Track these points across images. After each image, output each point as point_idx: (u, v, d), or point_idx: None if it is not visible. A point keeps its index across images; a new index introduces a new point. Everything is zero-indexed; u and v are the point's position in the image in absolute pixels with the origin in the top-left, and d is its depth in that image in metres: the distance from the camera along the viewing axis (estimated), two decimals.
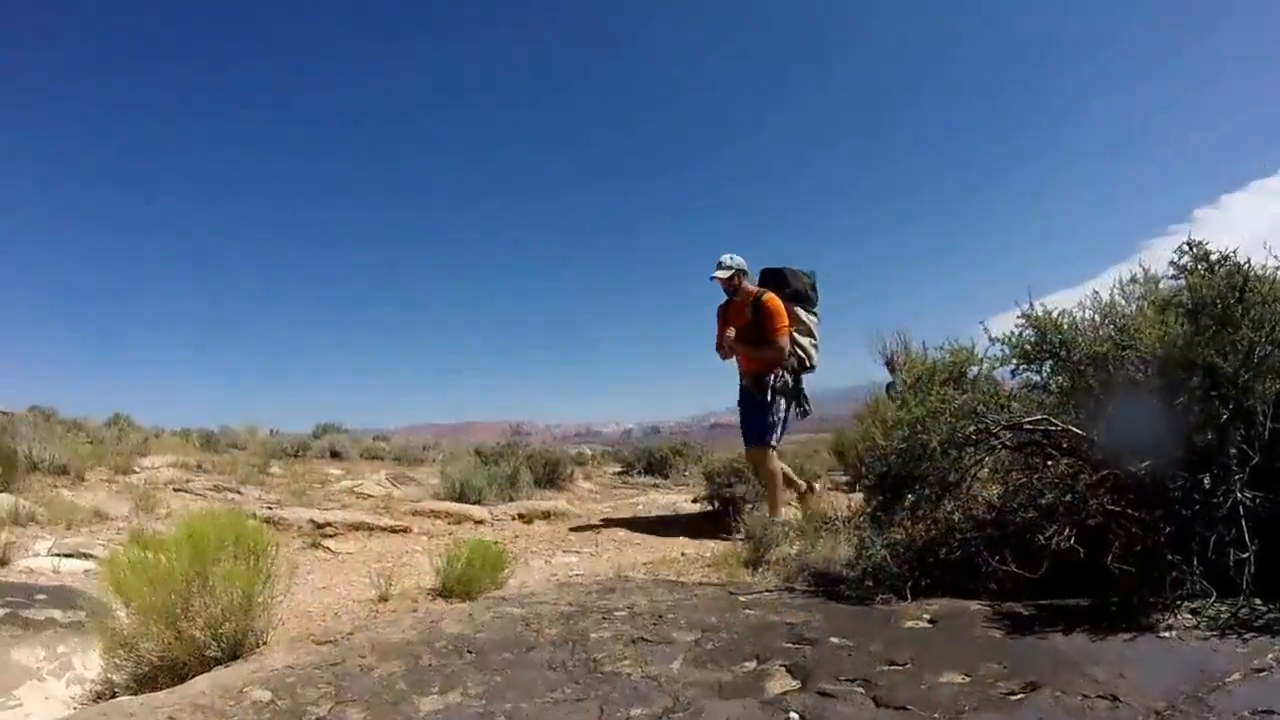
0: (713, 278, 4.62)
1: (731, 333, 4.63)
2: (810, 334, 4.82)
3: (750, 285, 4.71)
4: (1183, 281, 2.34)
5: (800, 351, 4.75)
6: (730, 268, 4.64)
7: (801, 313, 4.75)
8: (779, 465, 4.63)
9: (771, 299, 4.58)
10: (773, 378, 4.56)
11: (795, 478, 4.95)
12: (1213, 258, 2.26)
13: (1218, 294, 2.15)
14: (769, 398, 4.55)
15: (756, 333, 4.57)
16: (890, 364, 8.19)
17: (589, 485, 8.37)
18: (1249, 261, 2.18)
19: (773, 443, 4.55)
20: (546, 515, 5.52)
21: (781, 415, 4.60)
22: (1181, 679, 1.58)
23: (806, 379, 4.78)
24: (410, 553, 4.34)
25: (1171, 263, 2.36)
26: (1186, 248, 2.32)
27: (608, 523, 5.37)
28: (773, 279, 4.84)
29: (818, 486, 5.20)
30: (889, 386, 8.15)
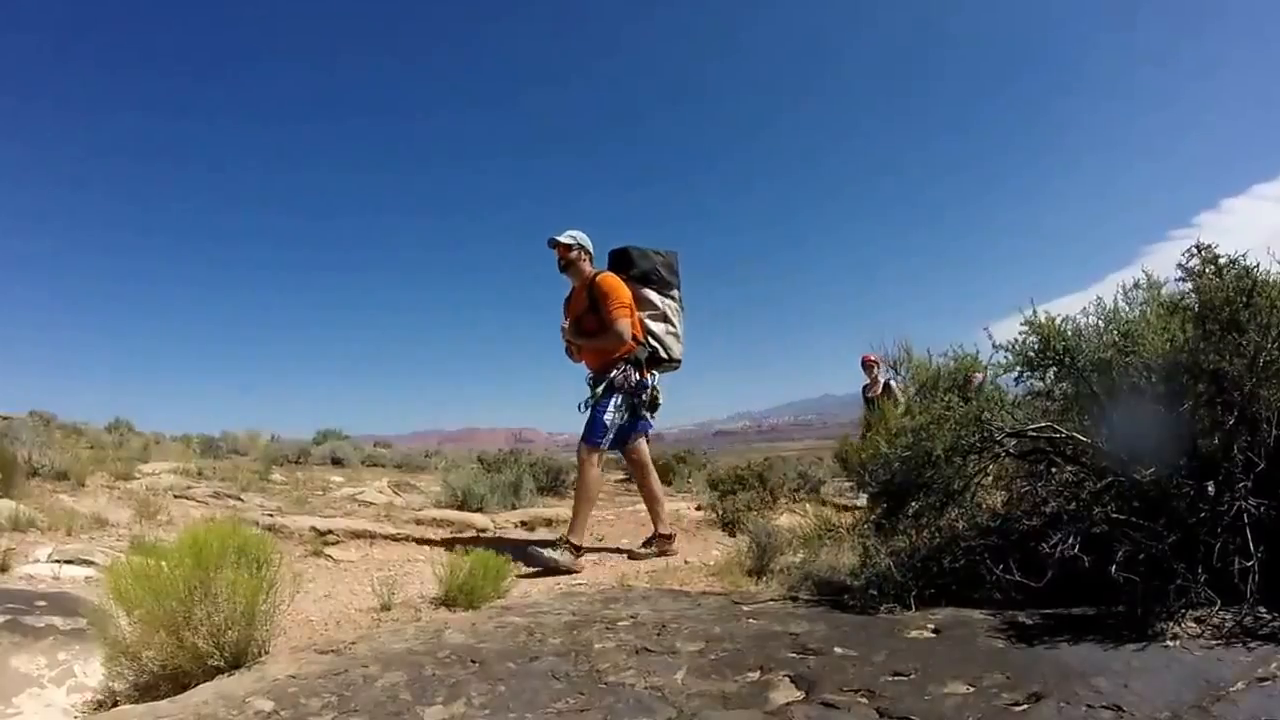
0: (551, 240, 4.10)
1: (568, 324, 4.15)
2: (667, 320, 4.25)
3: (590, 267, 4.15)
4: (1187, 286, 2.34)
5: (654, 341, 4.19)
6: (575, 239, 4.12)
7: (654, 296, 4.24)
8: (597, 473, 4.08)
9: (607, 277, 4.07)
10: (618, 373, 4.00)
11: (659, 506, 4.31)
12: (1221, 261, 2.26)
13: (1226, 298, 2.15)
14: (607, 393, 3.99)
15: (596, 321, 4.04)
16: (867, 364, 8.16)
17: None
18: (1257, 265, 2.18)
19: (600, 444, 4.00)
20: (549, 523, 5.51)
21: (614, 415, 4.00)
22: (1186, 689, 1.57)
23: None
24: (412, 561, 4.33)
25: (1179, 265, 2.36)
26: (1195, 250, 2.32)
27: (610, 530, 5.36)
28: (616, 260, 4.30)
29: (674, 546, 4.30)
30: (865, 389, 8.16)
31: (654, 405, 4.22)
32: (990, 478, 2.81)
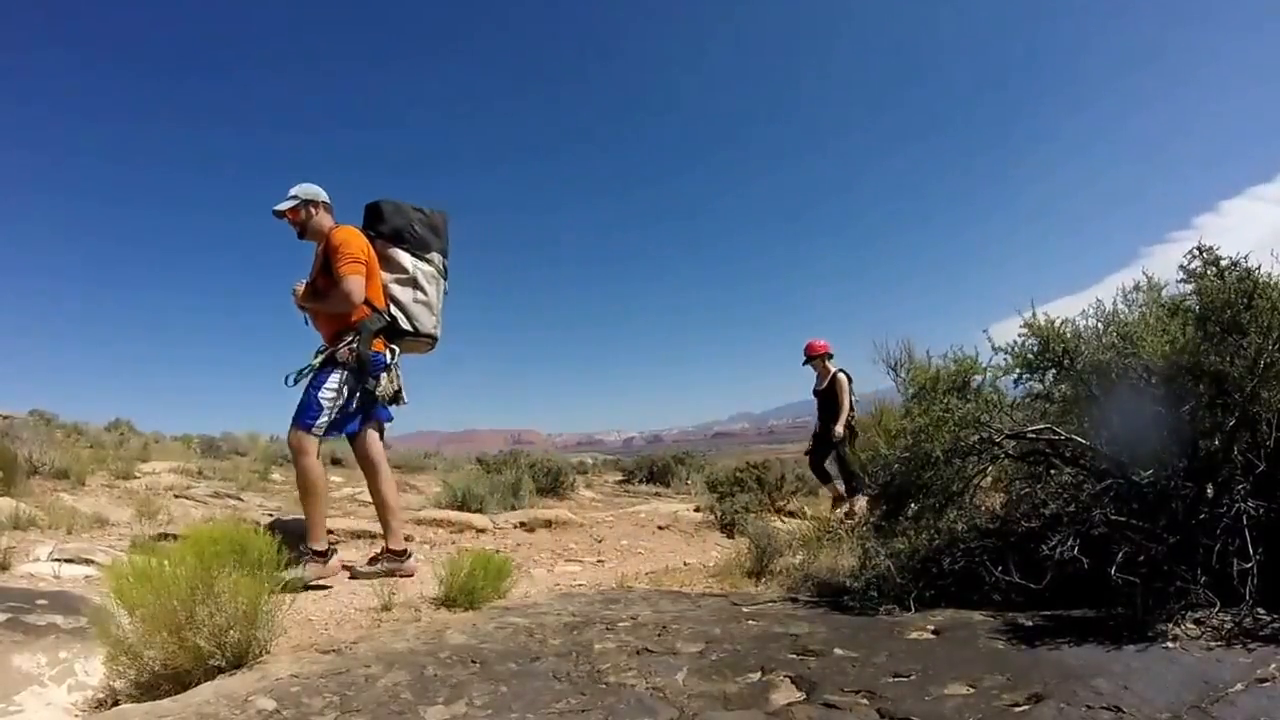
0: (275, 211, 3.49)
1: (301, 287, 3.52)
2: (416, 286, 3.58)
3: (331, 221, 3.53)
4: (1188, 287, 2.35)
5: (397, 310, 3.53)
6: (296, 197, 3.48)
7: (405, 257, 3.57)
8: (315, 463, 3.35)
9: (341, 230, 3.42)
10: (344, 344, 3.35)
11: (391, 516, 3.57)
12: (1222, 263, 2.27)
13: (1227, 300, 2.16)
14: (326, 367, 3.34)
15: (328, 282, 3.39)
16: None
17: (591, 494, 8.36)
18: (1259, 267, 2.19)
19: (313, 428, 3.31)
20: (549, 524, 5.51)
21: (332, 394, 3.31)
22: (1185, 690, 1.58)
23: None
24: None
25: (1181, 267, 2.37)
26: (1197, 252, 2.33)
27: (610, 532, 5.36)
28: (367, 215, 3.68)
29: (408, 565, 3.60)
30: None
31: (394, 394, 3.53)
32: (989, 479, 2.82)
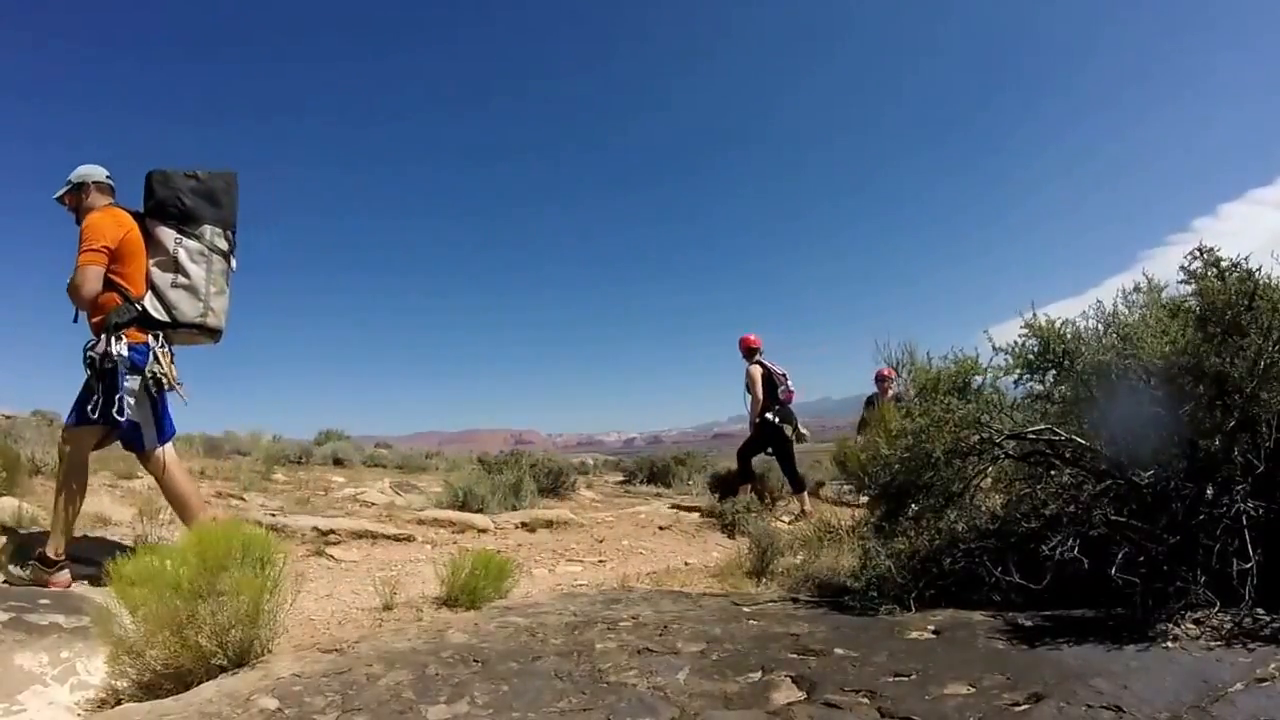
0: (55, 198, 3.18)
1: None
2: (177, 269, 3.10)
3: (101, 204, 3.13)
4: (1189, 289, 2.36)
5: (154, 297, 3.09)
6: (70, 181, 3.15)
7: (167, 235, 3.11)
8: (78, 460, 3.07)
9: (92, 214, 3.05)
10: (103, 339, 2.99)
11: (191, 500, 3.22)
12: (1223, 264, 2.28)
13: (1228, 301, 2.16)
14: (87, 366, 3.00)
15: None
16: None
17: (592, 494, 8.37)
18: (1259, 269, 2.20)
19: (75, 427, 3.04)
20: (550, 524, 5.52)
21: (90, 395, 2.98)
22: (1185, 689, 1.58)
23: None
24: (414, 561, 4.34)
25: (1182, 268, 2.37)
26: (1198, 253, 2.33)
27: (610, 532, 5.37)
28: (144, 189, 3.21)
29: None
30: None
31: (158, 386, 3.11)
32: (990, 480, 2.82)
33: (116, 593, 2.25)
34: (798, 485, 6.56)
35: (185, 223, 3.14)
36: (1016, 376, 2.65)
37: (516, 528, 5.43)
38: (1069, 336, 2.48)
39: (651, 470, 9.91)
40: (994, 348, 2.66)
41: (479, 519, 5.49)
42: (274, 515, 5.20)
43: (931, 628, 2.17)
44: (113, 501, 5.46)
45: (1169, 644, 1.84)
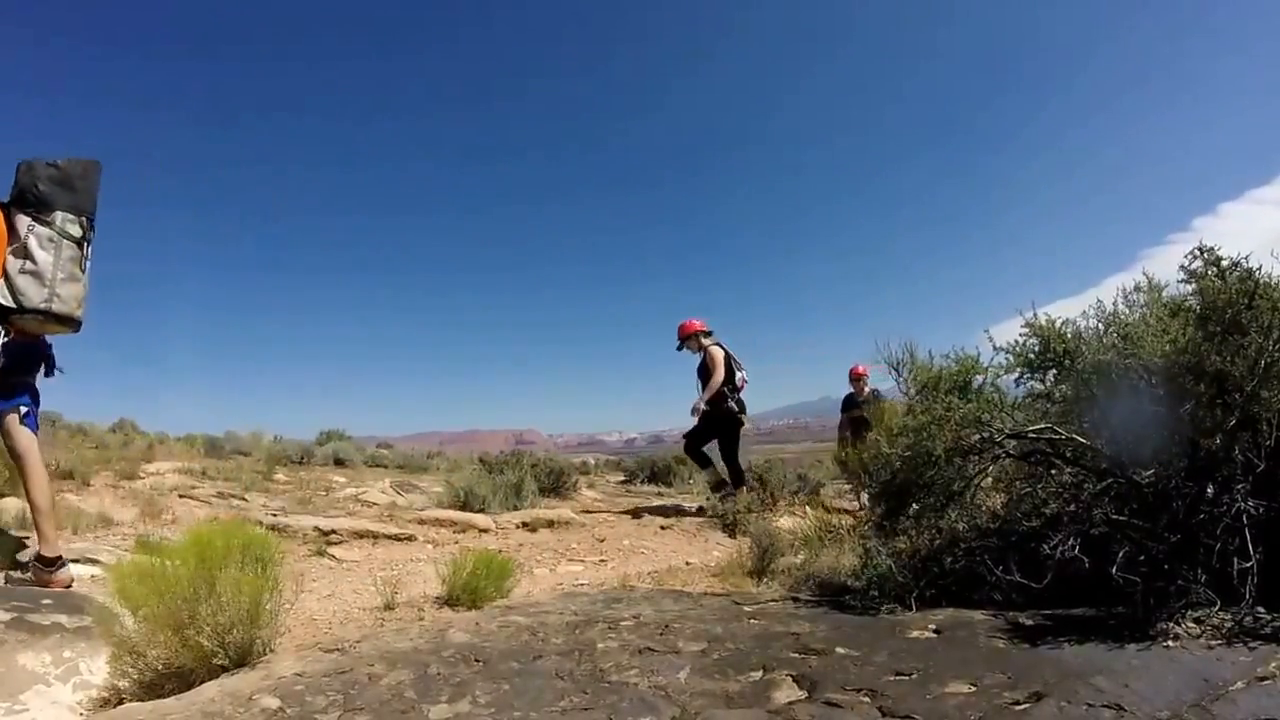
0: None
1: None
2: (27, 255, 3.08)
3: None
4: (1188, 288, 2.36)
5: (6, 285, 3.05)
6: None
7: (22, 222, 3.09)
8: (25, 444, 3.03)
9: None
10: None
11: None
12: (1224, 263, 2.28)
13: (1229, 300, 2.16)
14: None
15: None
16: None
17: (593, 494, 8.38)
18: (1260, 268, 2.20)
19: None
20: (551, 524, 5.53)
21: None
22: (1186, 688, 1.58)
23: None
24: (415, 561, 4.35)
25: (1182, 267, 2.37)
26: (1198, 252, 2.33)
27: (612, 531, 5.37)
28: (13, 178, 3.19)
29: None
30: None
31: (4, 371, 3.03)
32: (990, 479, 2.82)
33: (118, 593, 2.26)
34: (739, 479, 6.42)
35: (39, 209, 3.09)
36: (1017, 376, 2.65)
37: (518, 527, 5.44)
38: (1069, 336, 2.48)
39: (653, 470, 9.92)
40: (995, 347, 2.66)
41: (480, 519, 5.50)
42: (275, 515, 5.21)
43: (932, 627, 2.17)
44: (115, 502, 5.48)
45: (1170, 643, 1.84)
